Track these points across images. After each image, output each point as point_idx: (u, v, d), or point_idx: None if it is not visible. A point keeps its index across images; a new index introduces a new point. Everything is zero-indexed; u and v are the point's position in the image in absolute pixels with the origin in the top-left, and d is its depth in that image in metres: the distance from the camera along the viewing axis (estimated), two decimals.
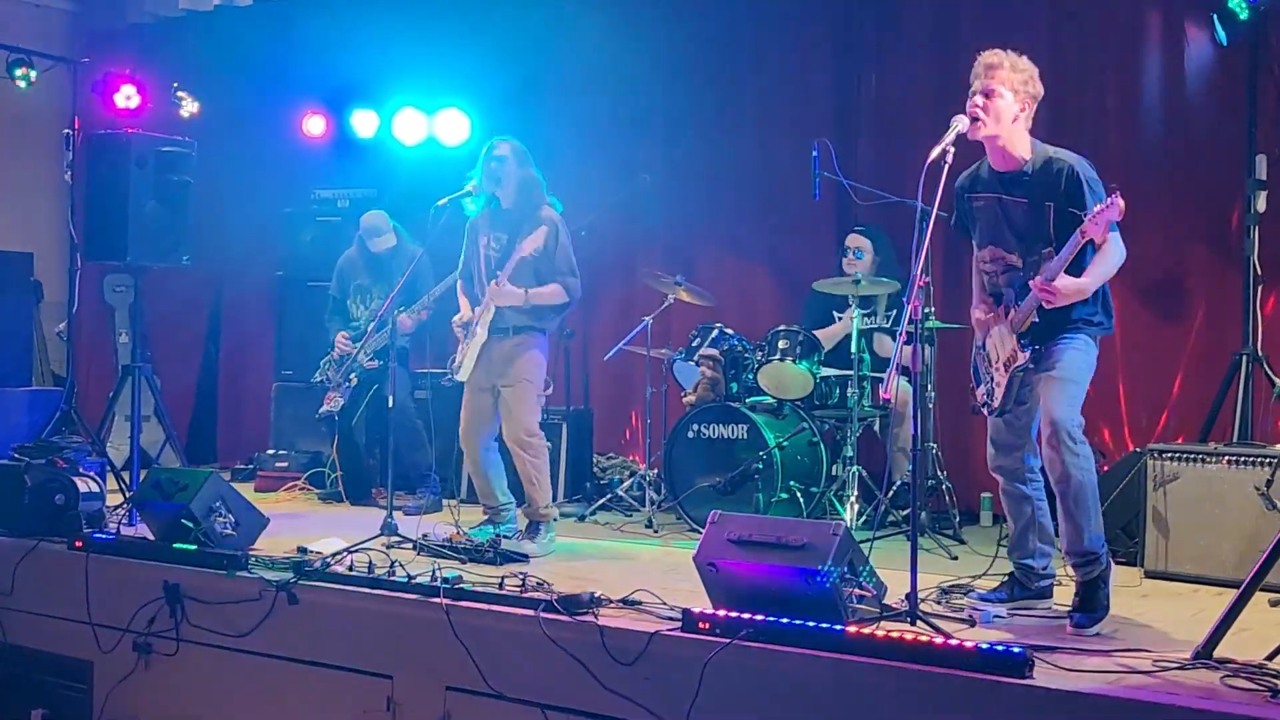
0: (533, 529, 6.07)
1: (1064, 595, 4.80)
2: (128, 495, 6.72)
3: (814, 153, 6.66)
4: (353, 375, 7.53)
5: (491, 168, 6.06)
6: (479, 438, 6.16)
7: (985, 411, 4.86)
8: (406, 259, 7.53)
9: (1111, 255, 4.50)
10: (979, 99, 4.58)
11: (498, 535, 5.92)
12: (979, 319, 4.88)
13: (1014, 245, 4.68)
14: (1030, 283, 4.52)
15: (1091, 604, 4.50)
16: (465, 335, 6.14)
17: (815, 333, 6.92)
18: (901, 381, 6.55)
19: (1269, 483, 5.18)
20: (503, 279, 5.93)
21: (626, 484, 7.53)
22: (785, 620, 4.09)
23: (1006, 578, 4.92)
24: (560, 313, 6.22)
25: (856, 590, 4.21)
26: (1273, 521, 5.01)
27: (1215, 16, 6.23)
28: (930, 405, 6.49)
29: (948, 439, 6.92)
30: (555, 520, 6.19)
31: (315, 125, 9.04)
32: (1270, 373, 6.16)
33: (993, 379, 4.80)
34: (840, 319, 7.10)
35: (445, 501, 7.40)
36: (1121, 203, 4.31)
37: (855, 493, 6.43)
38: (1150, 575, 5.50)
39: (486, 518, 6.24)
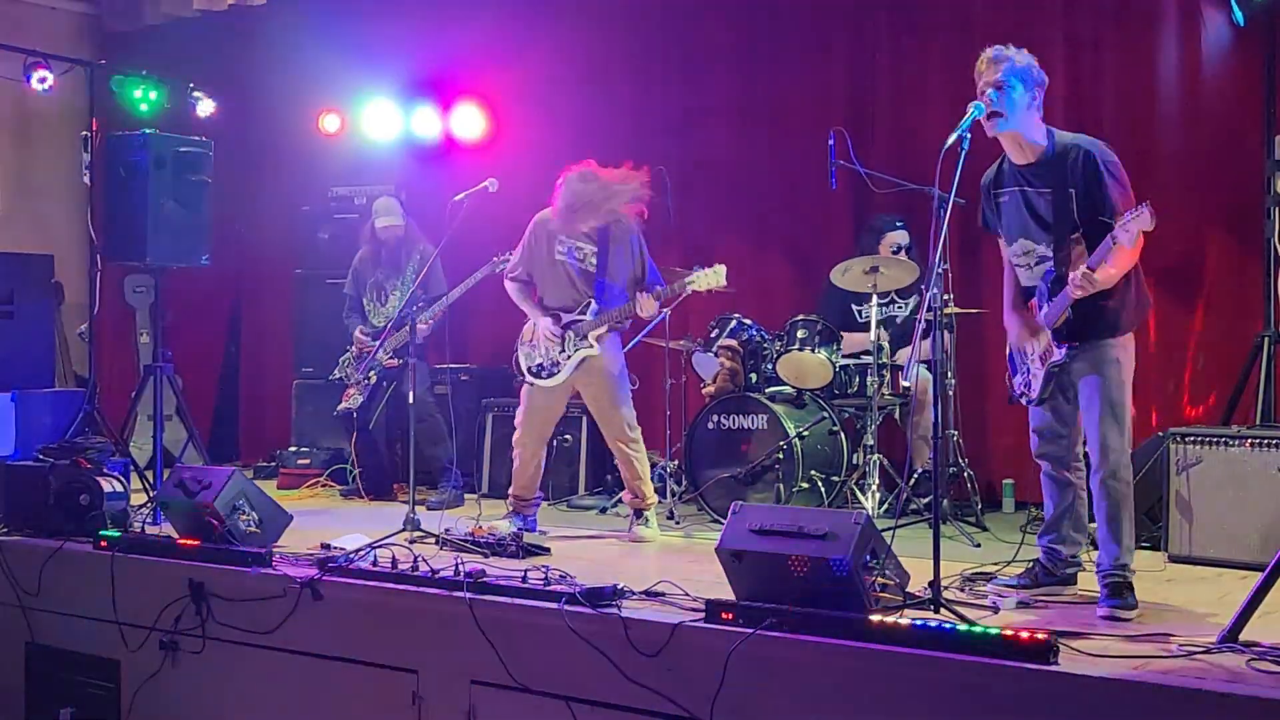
0: (641, 516, 6.28)
1: (1087, 581, 4.80)
2: (151, 494, 6.76)
3: (830, 141, 6.65)
4: (371, 372, 7.56)
5: (588, 194, 6.14)
6: (539, 435, 6.34)
7: (1023, 401, 4.87)
8: (413, 248, 7.60)
9: (1130, 245, 4.47)
10: (991, 93, 4.56)
11: (520, 529, 5.95)
12: (1010, 320, 4.88)
13: (1042, 236, 4.67)
14: (1070, 279, 4.49)
15: (1121, 594, 4.49)
16: (566, 344, 6.18)
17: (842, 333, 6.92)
18: (921, 369, 6.54)
19: None
20: (668, 298, 6.21)
21: None
22: (808, 609, 4.09)
23: (1031, 564, 4.91)
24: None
25: (879, 579, 4.21)
26: None
27: None
28: (951, 393, 6.48)
29: (969, 426, 6.91)
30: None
31: (331, 123, 9.06)
32: None
33: (1029, 370, 4.80)
34: (861, 317, 7.09)
35: (467, 496, 7.42)
36: (1150, 212, 4.29)
37: (876, 481, 6.42)
38: (1174, 559, 5.48)
39: (512, 510, 6.26)
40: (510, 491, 6.42)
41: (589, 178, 6.14)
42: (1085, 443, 4.74)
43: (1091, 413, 4.59)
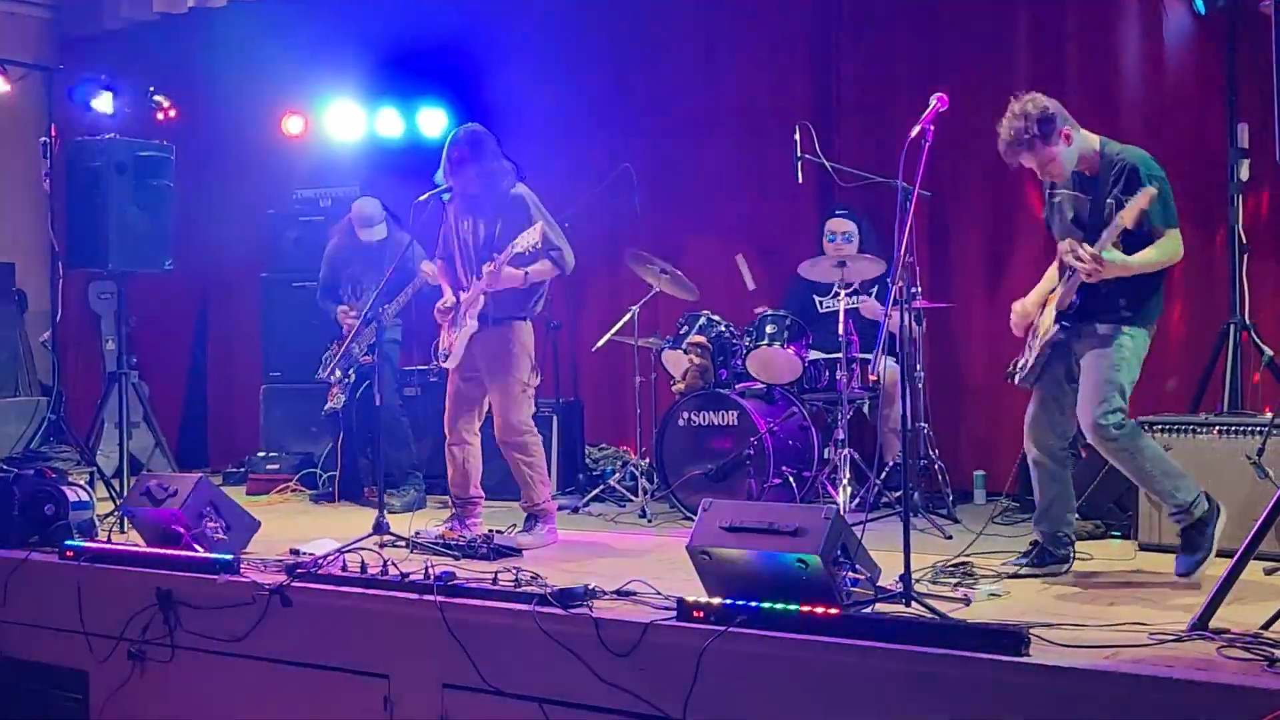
0: (530, 522, 6.06)
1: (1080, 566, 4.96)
2: (118, 503, 6.69)
3: (795, 135, 6.64)
4: (350, 371, 7.49)
5: (453, 164, 5.99)
6: (462, 424, 6.14)
7: (1015, 380, 5.01)
8: (398, 248, 7.50)
9: (1161, 250, 4.67)
10: (1039, 174, 4.85)
11: (491, 531, 5.90)
12: (1027, 301, 5.05)
13: (1082, 239, 4.77)
14: (1079, 250, 4.63)
15: (1192, 546, 4.71)
16: (452, 323, 6.10)
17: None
18: (889, 362, 6.55)
19: (1260, 451, 5.17)
20: (501, 263, 5.89)
21: (619, 474, 7.51)
22: (780, 606, 4.07)
23: (1033, 545, 5.04)
24: (542, 294, 6.17)
25: (850, 573, 4.20)
26: (1265, 490, 5.00)
27: None
28: (919, 385, 6.48)
29: (938, 419, 6.92)
30: (554, 513, 6.17)
31: (294, 125, 8.99)
32: (1258, 341, 6.16)
33: (1031, 350, 4.97)
34: (822, 308, 7.10)
35: (439, 498, 7.37)
36: (1153, 191, 4.54)
37: (847, 475, 6.41)
38: (1145, 548, 5.50)
39: (453, 512, 6.19)
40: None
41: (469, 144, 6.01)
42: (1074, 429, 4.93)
43: (1084, 392, 4.76)
